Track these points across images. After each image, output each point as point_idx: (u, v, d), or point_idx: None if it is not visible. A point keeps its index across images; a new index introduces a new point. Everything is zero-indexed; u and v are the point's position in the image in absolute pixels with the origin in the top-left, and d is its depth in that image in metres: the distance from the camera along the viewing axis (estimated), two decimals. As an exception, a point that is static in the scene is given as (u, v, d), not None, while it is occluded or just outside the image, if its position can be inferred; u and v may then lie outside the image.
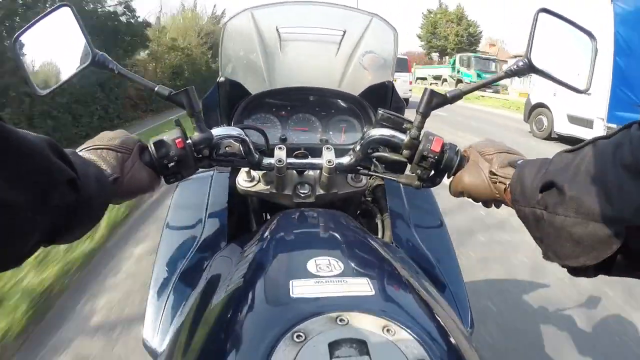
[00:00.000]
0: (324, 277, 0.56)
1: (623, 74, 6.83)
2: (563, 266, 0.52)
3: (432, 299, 0.62)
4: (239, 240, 0.93)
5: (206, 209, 1.08)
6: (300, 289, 0.54)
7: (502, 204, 0.71)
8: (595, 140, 0.50)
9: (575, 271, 0.52)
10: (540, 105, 9.31)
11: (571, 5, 8.05)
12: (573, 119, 8.23)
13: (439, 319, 0.55)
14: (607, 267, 0.47)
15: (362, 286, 0.55)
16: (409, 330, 0.47)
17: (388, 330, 0.47)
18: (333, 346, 0.44)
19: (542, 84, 9.35)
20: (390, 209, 1.12)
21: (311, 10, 1.38)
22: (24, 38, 0.79)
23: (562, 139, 8.53)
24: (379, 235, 1.13)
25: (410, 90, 15.41)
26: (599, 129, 7.46)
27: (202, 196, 1.11)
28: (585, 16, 7.32)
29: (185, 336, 0.62)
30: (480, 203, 0.76)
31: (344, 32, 1.33)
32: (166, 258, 0.96)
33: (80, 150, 0.67)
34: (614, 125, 6.73)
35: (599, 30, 6.50)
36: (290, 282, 0.55)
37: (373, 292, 0.54)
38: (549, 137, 8.91)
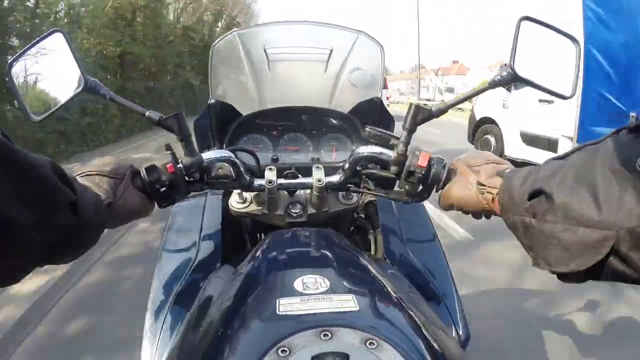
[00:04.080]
0: (310, 294, 0.58)
1: (602, 71, 4.86)
2: (552, 272, 0.52)
3: (421, 313, 0.63)
4: (232, 261, 0.94)
5: (200, 231, 1.08)
6: (286, 306, 0.55)
7: (492, 215, 0.71)
8: (583, 146, 0.50)
9: (564, 277, 0.52)
10: (487, 120, 7.20)
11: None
12: (529, 139, 6.25)
13: (425, 332, 0.56)
14: (596, 273, 0.47)
15: (347, 302, 0.56)
16: (392, 344, 0.48)
17: (371, 344, 0.48)
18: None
19: (489, 93, 7.78)
20: (383, 224, 1.12)
21: (297, 30, 1.41)
22: (18, 64, 0.80)
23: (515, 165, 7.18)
24: (372, 251, 1.14)
25: (388, 105, 15.43)
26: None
27: (197, 219, 1.12)
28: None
29: (180, 355, 0.63)
30: (470, 215, 0.76)
31: (331, 50, 1.35)
32: (162, 281, 0.97)
33: (76, 176, 0.67)
34: None
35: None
36: (277, 300, 0.57)
37: (357, 308, 0.55)
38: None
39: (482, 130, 7.38)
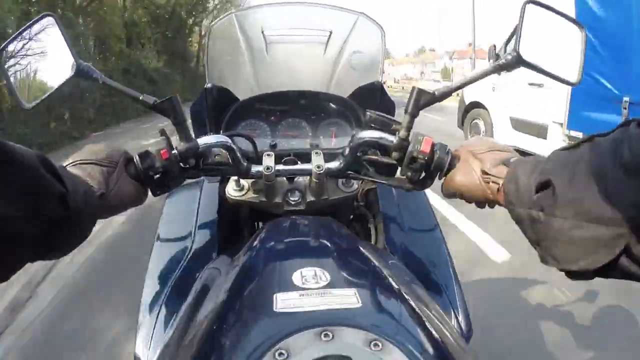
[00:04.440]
0: (309, 289, 0.55)
1: (593, 53, 4.43)
2: (561, 270, 0.51)
3: (425, 307, 0.61)
4: (228, 251, 0.92)
5: (196, 219, 1.06)
6: (284, 302, 0.53)
7: (497, 205, 0.69)
8: (592, 138, 0.49)
9: (572, 274, 0.50)
10: (476, 105, 6.89)
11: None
12: (519, 125, 5.99)
13: (431, 329, 0.54)
14: (607, 270, 0.46)
15: (349, 298, 0.54)
16: (397, 345, 0.46)
17: (375, 345, 0.45)
18: None
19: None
20: (383, 212, 1.11)
21: (296, 12, 1.37)
22: (8, 50, 0.78)
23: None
24: (372, 240, 1.12)
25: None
26: (556, 139, 5.23)
27: (192, 207, 1.10)
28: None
29: (174, 353, 0.62)
30: (473, 204, 0.74)
31: (331, 32, 1.32)
32: (157, 271, 0.95)
33: (67, 165, 0.66)
34: (577, 134, 4.87)
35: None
36: (275, 295, 0.54)
37: (360, 304, 0.53)
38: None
39: (471, 114, 7.11)
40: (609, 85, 4.39)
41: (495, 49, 6.17)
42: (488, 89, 6.43)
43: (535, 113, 5.62)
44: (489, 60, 6.51)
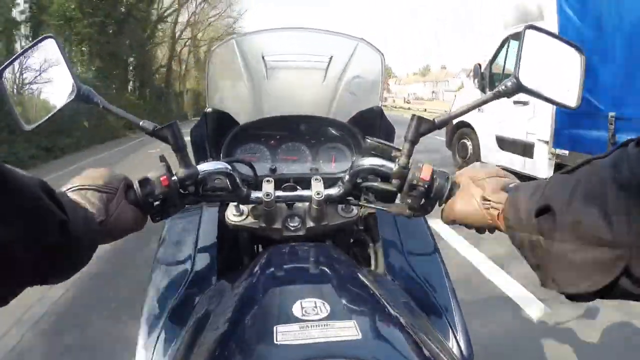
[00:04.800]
0: (309, 321, 0.56)
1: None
2: (561, 293, 0.51)
3: (424, 334, 0.61)
4: (228, 276, 0.92)
5: (196, 244, 1.06)
6: (284, 335, 0.53)
7: (496, 230, 0.69)
8: (590, 160, 0.49)
9: (574, 297, 0.50)
10: (464, 124, 6.86)
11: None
12: (505, 144, 5.99)
13: (429, 357, 0.54)
14: (607, 291, 0.45)
15: (349, 330, 0.54)
16: None
17: None
18: None
19: (466, 95, 6.99)
20: (383, 237, 1.11)
21: (296, 37, 1.39)
22: (9, 71, 0.78)
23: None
24: (372, 265, 1.11)
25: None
26: (543, 157, 5.19)
27: (192, 231, 1.10)
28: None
29: None
30: (473, 230, 0.74)
31: (331, 57, 1.34)
32: (157, 295, 0.94)
33: (67, 190, 0.66)
34: (564, 152, 4.82)
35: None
36: (275, 327, 0.54)
37: (360, 336, 0.53)
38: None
39: (459, 134, 7.12)
40: (594, 101, 4.31)
41: (480, 68, 6.20)
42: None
43: (520, 132, 5.62)
44: (473, 80, 6.55)
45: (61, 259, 0.52)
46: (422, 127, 0.76)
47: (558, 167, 4.89)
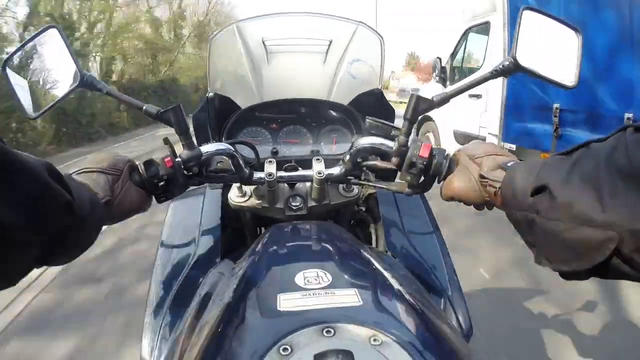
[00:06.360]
0: (311, 289, 0.57)
1: None
2: (555, 270, 0.52)
3: (425, 306, 0.62)
4: (232, 256, 0.94)
5: (199, 225, 1.08)
6: (287, 302, 0.55)
7: (494, 207, 0.70)
8: (588, 143, 0.50)
9: (567, 275, 0.51)
10: (427, 118, 6.59)
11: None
12: (460, 138, 5.79)
13: (430, 326, 0.56)
14: (599, 271, 0.47)
15: (350, 297, 0.55)
16: (396, 339, 0.48)
17: (375, 340, 0.47)
18: (319, 358, 0.45)
19: (430, 87, 6.61)
20: (384, 216, 1.12)
21: (296, 21, 1.39)
22: (13, 61, 0.79)
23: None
24: (373, 244, 1.13)
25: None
26: None
27: (196, 213, 1.11)
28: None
29: (180, 353, 0.63)
30: (472, 206, 0.75)
31: (330, 41, 1.34)
32: (162, 276, 0.96)
33: (72, 174, 0.68)
34: (511, 146, 4.70)
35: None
36: (278, 295, 0.56)
37: (361, 302, 0.54)
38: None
39: (424, 127, 6.83)
40: (540, 93, 4.19)
41: (440, 62, 6.08)
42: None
43: (474, 125, 5.45)
44: (433, 73, 6.38)
45: (67, 239, 0.53)
46: (421, 105, 0.77)
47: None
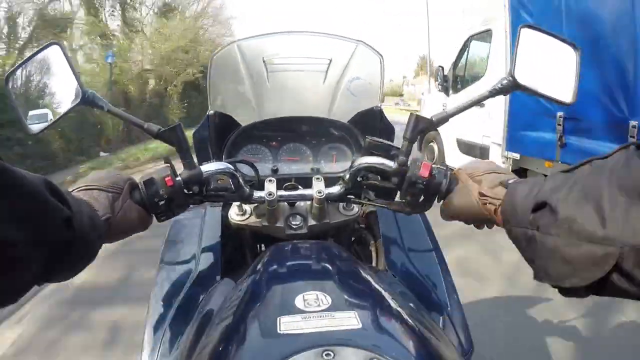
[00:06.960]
0: (311, 312, 0.57)
1: None
2: (554, 286, 0.52)
3: (424, 327, 0.62)
4: (232, 275, 0.93)
5: (200, 243, 1.08)
6: (287, 325, 0.55)
7: (494, 225, 0.71)
8: (590, 160, 0.50)
9: (566, 291, 0.51)
10: None
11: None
12: (464, 147, 5.87)
13: (429, 347, 0.56)
14: (599, 288, 0.47)
15: (350, 320, 0.55)
16: None
17: None
18: None
19: (434, 97, 6.83)
20: (384, 235, 1.12)
21: (296, 40, 1.41)
22: (16, 76, 0.80)
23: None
24: (373, 262, 1.13)
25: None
26: (497, 161, 4.47)
27: (196, 231, 1.11)
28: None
29: None
30: (472, 225, 0.76)
31: (330, 60, 1.35)
32: (162, 294, 0.96)
33: (73, 191, 0.68)
34: (515, 155, 4.74)
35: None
36: (278, 318, 0.56)
37: (360, 325, 0.54)
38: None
39: (427, 137, 6.86)
40: (543, 101, 3.85)
41: (442, 71, 6.14)
42: (440, 110, 6.08)
43: (477, 135, 5.51)
44: (435, 82, 6.50)
45: (68, 255, 0.53)
46: (420, 125, 0.78)
47: (513, 172, 4.59)
